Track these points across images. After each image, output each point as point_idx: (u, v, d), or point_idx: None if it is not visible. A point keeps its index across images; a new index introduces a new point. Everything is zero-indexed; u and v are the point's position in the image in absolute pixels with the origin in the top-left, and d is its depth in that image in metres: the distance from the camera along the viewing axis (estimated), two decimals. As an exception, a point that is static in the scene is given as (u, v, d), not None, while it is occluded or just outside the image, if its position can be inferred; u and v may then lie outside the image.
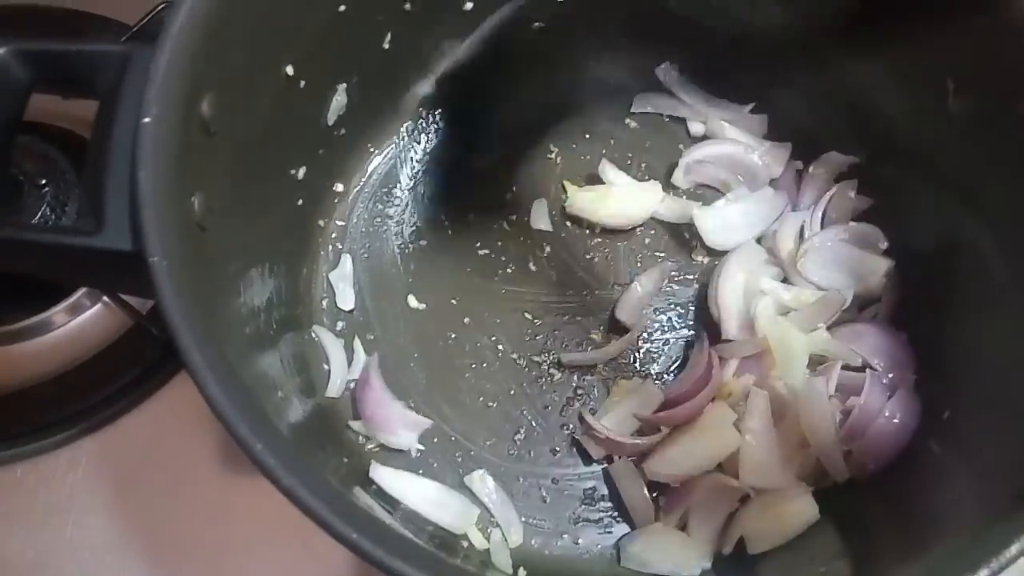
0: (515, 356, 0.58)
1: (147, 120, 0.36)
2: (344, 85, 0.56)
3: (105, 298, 0.61)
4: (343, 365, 0.56)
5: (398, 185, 0.63)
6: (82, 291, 0.61)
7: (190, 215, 0.38)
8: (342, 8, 0.51)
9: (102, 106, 0.39)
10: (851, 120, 0.58)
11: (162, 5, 0.68)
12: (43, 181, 0.60)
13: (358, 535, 0.31)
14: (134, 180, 0.35)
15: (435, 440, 0.56)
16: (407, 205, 0.62)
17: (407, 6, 0.56)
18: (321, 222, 0.60)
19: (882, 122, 0.55)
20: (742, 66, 0.61)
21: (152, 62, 0.37)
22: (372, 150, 0.63)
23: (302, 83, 0.51)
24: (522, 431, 0.56)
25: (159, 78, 0.37)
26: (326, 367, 0.56)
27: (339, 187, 0.61)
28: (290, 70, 0.49)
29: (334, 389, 0.55)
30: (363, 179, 0.63)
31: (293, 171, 0.54)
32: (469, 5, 0.58)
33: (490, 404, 0.57)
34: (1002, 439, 0.42)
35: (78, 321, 0.61)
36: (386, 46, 0.57)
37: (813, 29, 0.56)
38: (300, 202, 0.56)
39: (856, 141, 0.59)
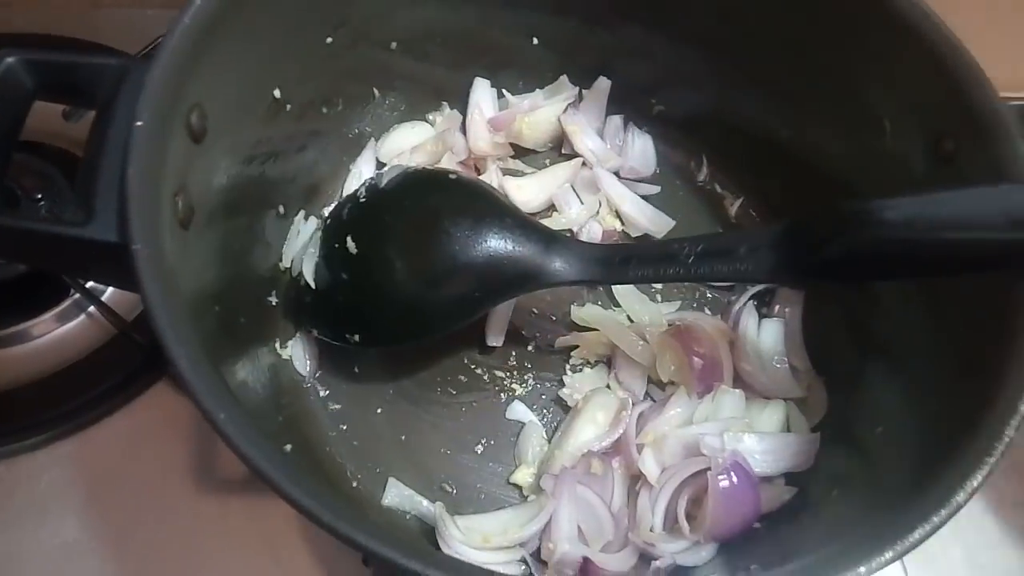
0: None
1: (139, 124, 0.39)
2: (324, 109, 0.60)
3: (89, 309, 0.64)
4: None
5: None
6: (67, 302, 0.64)
7: (173, 212, 0.41)
8: (329, 40, 0.55)
9: (99, 114, 0.43)
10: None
11: (162, 36, 0.72)
12: (39, 195, 0.64)
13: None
14: (123, 176, 0.38)
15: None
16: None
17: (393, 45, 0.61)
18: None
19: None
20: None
21: (147, 74, 0.41)
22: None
23: (288, 106, 0.55)
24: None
25: (152, 89, 0.40)
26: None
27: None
28: (278, 93, 0.53)
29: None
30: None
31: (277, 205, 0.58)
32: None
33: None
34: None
35: (62, 330, 0.63)
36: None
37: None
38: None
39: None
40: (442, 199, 0.54)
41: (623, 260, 0.51)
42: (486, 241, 0.52)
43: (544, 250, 0.52)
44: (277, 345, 0.58)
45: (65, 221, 0.39)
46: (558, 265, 0.52)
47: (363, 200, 0.55)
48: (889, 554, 0.33)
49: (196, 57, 0.43)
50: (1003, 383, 0.39)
